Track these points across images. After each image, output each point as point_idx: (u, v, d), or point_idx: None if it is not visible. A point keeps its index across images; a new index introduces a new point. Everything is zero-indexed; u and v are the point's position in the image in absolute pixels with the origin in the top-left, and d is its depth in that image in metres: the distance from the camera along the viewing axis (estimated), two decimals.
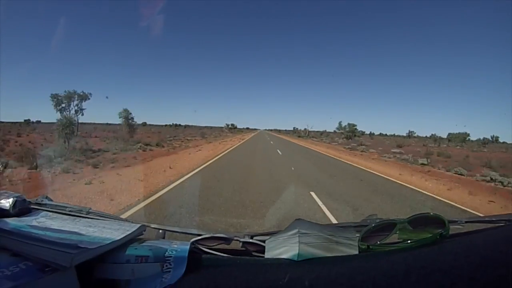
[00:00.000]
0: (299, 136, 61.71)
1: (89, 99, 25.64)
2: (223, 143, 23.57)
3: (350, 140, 40.80)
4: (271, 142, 29.05)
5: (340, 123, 48.38)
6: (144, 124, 78.17)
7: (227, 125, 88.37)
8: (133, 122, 26.19)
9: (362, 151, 21.75)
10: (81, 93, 25.06)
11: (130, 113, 25.89)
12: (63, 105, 24.17)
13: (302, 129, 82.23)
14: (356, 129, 45.62)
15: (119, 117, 26.06)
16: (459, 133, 49.06)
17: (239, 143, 24.14)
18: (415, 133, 75.47)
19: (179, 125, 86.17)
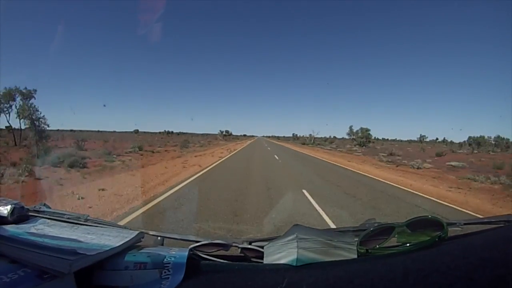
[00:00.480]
0: (303, 144, 52.89)
1: (34, 98, 19.15)
2: (198, 159, 14.30)
3: (364, 147, 35.23)
4: (276, 157, 17.22)
5: (351, 128, 41.50)
6: (136, 131, 77.16)
7: (221, 132, 78.39)
8: (44, 127, 16.52)
9: (417, 168, 14.10)
10: (24, 91, 18.86)
11: (37, 111, 16.57)
12: (1, 105, 19.16)
13: (303, 135, 74.05)
14: (369, 134, 39.12)
15: (16, 117, 17.89)
16: (481, 136, 41.10)
17: (219, 161, 13.46)
18: (427, 137, 64.15)
19: (171, 132, 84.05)
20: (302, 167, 12.65)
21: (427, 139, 64.52)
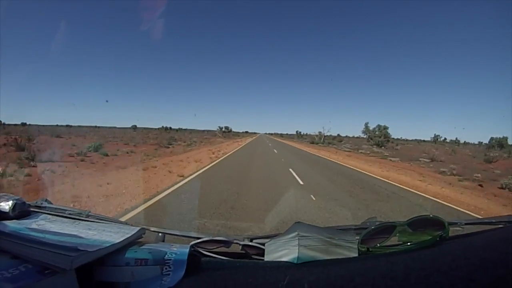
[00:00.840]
0: (312, 143, 45.03)
1: None
2: (138, 177, 7.51)
3: (382, 147, 29.90)
4: (294, 175, 8.53)
5: (366, 125, 35.25)
6: (135, 127, 76.33)
7: (220, 128, 66.58)
8: None
9: None
10: None
11: None
12: None
13: (307, 132, 67.12)
14: (388, 133, 33.25)
15: None
16: (504, 137, 35.00)
17: (182, 182, 6.83)
18: (441, 137, 55.19)
19: (170, 128, 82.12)
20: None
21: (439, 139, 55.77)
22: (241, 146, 26.47)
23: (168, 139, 28.16)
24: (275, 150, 20.95)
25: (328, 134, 53.25)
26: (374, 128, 34.18)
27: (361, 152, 25.60)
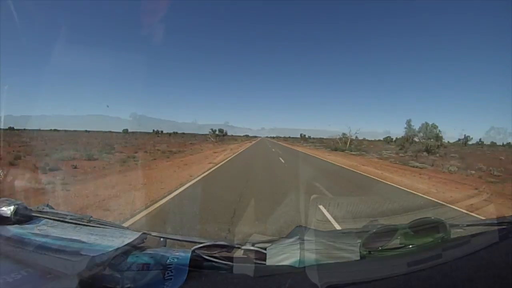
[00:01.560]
0: (335, 149, 31.65)
1: None
2: None
3: (437, 155, 20.84)
4: None
5: (409, 123, 24.51)
6: (126, 131, 74.57)
7: (213, 131, 50.53)
8: None
9: None
10: None
11: None
12: None
13: (310, 135, 59.09)
14: (440, 134, 22.67)
15: None
16: None
17: None
18: (471, 138, 39.84)
19: (161, 132, 79.18)
20: None
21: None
22: (221, 163, 11.68)
23: (100, 149, 16.79)
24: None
25: (356, 137, 38.27)
26: (420, 128, 24.01)
27: (454, 171, 12.09)
